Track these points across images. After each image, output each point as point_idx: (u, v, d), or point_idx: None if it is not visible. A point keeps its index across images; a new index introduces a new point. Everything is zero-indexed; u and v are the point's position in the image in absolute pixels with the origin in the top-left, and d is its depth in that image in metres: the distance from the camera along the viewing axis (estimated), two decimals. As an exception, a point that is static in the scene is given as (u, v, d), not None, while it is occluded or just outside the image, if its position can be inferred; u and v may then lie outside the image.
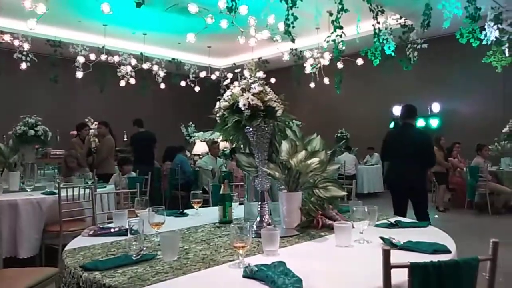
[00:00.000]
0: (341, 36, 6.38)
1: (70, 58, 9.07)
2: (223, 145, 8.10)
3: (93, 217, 3.18)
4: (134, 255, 1.59)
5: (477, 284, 1.29)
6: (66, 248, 1.85)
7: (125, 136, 8.50)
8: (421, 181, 4.63)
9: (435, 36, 8.54)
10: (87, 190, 3.99)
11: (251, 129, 2.02)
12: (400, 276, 1.23)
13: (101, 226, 2.33)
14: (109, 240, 1.96)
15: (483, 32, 6.83)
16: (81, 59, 8.90)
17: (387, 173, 4.89)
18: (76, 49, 9.07)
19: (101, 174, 6.13)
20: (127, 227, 1.88)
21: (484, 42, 6.89)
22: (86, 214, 4.01)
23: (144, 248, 1.69)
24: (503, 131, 8.15)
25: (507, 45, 7.22)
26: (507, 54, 7.34)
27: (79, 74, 8.92)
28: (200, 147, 9.25)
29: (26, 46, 7.86)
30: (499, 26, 6.99)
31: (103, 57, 9.08)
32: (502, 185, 7.44)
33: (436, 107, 10.57)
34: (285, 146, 2.07)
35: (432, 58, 9.27)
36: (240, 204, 2.71)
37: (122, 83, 9.64)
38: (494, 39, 7.01)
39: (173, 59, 11.06)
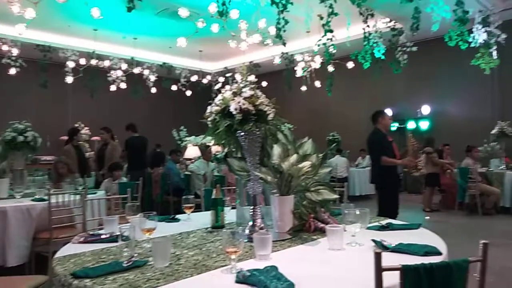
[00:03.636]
0: (331, 39, 6.42)
1: (59, 63, 9.02)
2: (216, 149, 8.08)
3: (84, 223, 3.14)
4: (125, 262, 1.58)
5: (468, 285, 1.30)
6: (56, 255, 1.83)
7: (116, 141, 8.45)
8: (379, 180, 4.84)
9: (424, 39, 8.64)
10: (78, 196, 3.95)
11: (242, 133, 2.02)
12: (392, 278, 1.23)
13: (91, 232, 2.30)
14: (100, 247, 1.94)
15: (471, 35, 6.93)
16: (71, 64, 8.86)
17: None
18: (66, 54, 9.04)
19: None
20: (118, 233, 1.86)
21: (472, 45, 6.98)
22: (77, 220, 3.95)
23: (135, 255, 1.68)
24: (492, 132, 8.25)
25: (495, 47, 7.32)
26: (495, 56, 7.44)
27: (69, 79, 8.88)
28: (192, 152, 9.22)
29: (15, 51, 7.79)
30: (487, 28, 7.10)
31: (93, 61, 9.04)
32: (491, 186, 7.52)
33: (426, 109, 10.67)
34: (276, 150, 2.07)
35: (421, 60, 9.37)
36: (233, 208, 2.70)
37: (113, 87, 9.60)
38: (482, 42, 7.12)
39: (164, 63, 11.05)
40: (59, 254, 1.85)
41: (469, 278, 1.29)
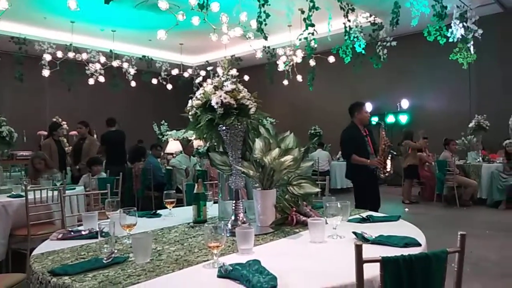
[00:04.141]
0: (313, 34, 6.43)
1: (36, 56, 8.78)
2: (197, 143, 8.03)
3: (62, 220, 3.09)
4: (105, 258, 1.55)
5: (446, 275, 1.33)
6: (34, 252, 1.79)
7: (95, 135, 8.31)
8: (350, 176, 4.83)
9: (403, 34, 8.75)
10: (56, 192, 3.87)
11: (224, 128, 2.01)
12: (372, 270, 1.25)
13: (70, 229, 2.26)
14: (79, 243, 1.91)
15: (450, 30, 7.05)
16: (47, 57, 8.62)
17: None
18: (42, 47, 8.79)
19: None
20: (98, 229, 1.83)
21: (450, 40, 7.11)
22: (55, 217, 3.89)
23: (116, 251, 1.66)
24: (469, 126, 8.44)
25: (472, 42, 7.47)
26: (472, 51, 7.60)
27: (46, 73, 8.65)
28: (173, 146, 9.14)
29: (-12, 44, 7.55)
30: (464, 24, 7.23)
31: (71, 54, 8.82)
32: (469, 178, 7.70)
33: (405, 103, 10.84)
34: (258, 144, 2.07)
35: (401, 55, 9.49)
36: (215, 203, 2.69)
37: (91, 81, 9.41)
38: (460, 37, 7.25)
39: (144, 56, 10.86)
40: (37, 251, 1.81)
41: (447, 269, 1.32)
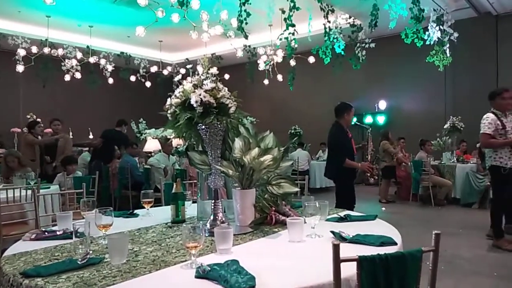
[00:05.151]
0: (293, 34, 6.47)
1: (9, 51, 8.52)
2: (176, 142, 7.95)
3: (36, 219, 3.00)
4: (80, 259, 1.52)
5: (421, 273, 1.35)
6: (5, 253, 1.73)
7: (71, 133, 8.14)
8: (334, 175, 4.73)
9: (382, 36, 8.89)
10: (29, 191, 3.76)
11: (203, 127, 1.99)
12: (350, 269, 1.27)
13: (44, 229, 2.20)
14: (53, 244, 1.86)
15: (427, 33, 7.21)
16: (21, 52, 8.37)
17: None
18: (16, 41, 8.54)
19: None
20: (72, 229, 1.79)
21: (427, 42, 7.27)
22: (29, 216, 3.78)
23: (91, 252, 1.62)
24: (445, 127, 8.63)
25: (448, 45, 7.66)
26: (448, 54, 7.78)
27: (20, 68, 8.40)
28: (152, 145, 9.02)
29: (-41, 37, 7.29)
30: (441, 27, 7.41)
31: (46, 50, 8.60)
32: (443, 178, 7.89)
33: (382, 104, 11.02)
34: (238, 143, 2.06)
35: (379, 57, 9.63)
36: (194, 202, 2.67)
37: (67, 77, 9.20)
38: (437, 40, 7.42)
39: (122, 53, 10.69)
40: (8, 252, 1.76)
41: (422, 267, 1.35)
